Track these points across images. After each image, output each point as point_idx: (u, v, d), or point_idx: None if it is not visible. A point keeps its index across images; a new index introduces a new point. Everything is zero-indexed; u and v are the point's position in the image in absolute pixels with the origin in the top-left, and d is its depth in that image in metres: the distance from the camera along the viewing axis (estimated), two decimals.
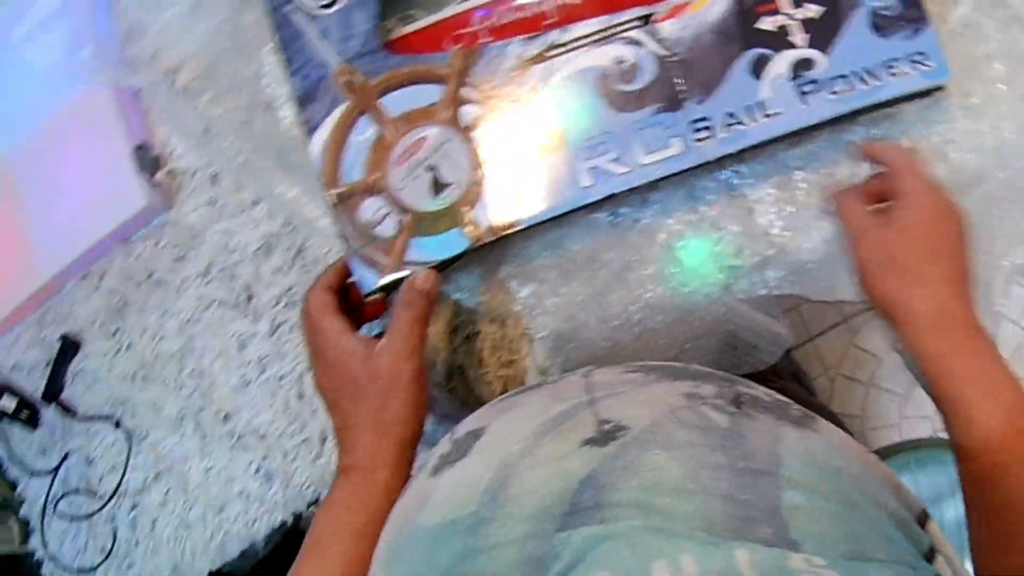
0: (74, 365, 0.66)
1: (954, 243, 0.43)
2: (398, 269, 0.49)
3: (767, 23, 0.49)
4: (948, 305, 0.40)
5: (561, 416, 0.34)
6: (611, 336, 0.49)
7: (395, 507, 0.38)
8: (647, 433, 0.32)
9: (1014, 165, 0.50)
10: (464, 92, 0.49)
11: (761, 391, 0.38)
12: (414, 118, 0.49)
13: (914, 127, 0.51)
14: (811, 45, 0.48)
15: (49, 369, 0.67)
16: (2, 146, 0.66)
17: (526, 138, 0.49)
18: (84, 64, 0.61)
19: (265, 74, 0.56)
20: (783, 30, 0.49)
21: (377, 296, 0.50)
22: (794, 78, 0.48)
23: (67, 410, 0.67)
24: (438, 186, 0.49)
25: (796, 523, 0.28)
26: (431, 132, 0.49)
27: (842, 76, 0.48)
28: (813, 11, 0.49)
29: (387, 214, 0.49)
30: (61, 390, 0.67)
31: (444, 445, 0.38)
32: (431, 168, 0.49)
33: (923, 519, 0.34)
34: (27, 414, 0.68)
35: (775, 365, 0.60)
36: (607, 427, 0.32)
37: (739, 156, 0.50)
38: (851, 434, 0.59)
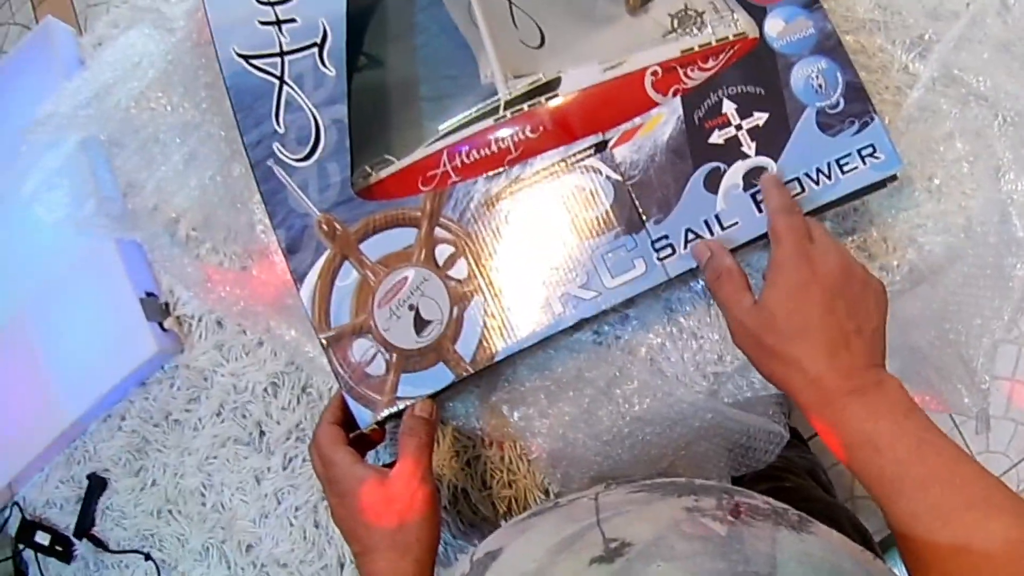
0: (102, 501, 0.75)
1: (831, 305, 0.46)
2: (390, 406, 0.56)
3: (717, 137, 0.55)
4: (820, 383, 0.45)
5: (572, 536, 0.39)
6: (603, 451, 0.55)
7: None
8: (651, 547, 0.36)
9: (984, 242, 0.55)
10: (437, 232, 0.57)
11: (760, 500, 0.43)
12: (392, 261, 0.57)
13: (880, 216, 0.56)
14: (761, 153, 0.54)
15: (79, 506, 0.77)
16: (17, 299, 0.75)
17: (499, 271, 0.56)
18: (88, 219, 0.71)
19: (258, 222, 0.65)
20: (733, 142, 0.55)
21: (374, 426, 0.58)
22: (747, 188, 0.54)
23: (99, 544, 0.76)
24: (420, 324, 0.57)
25: None
26: (409, 273, 0.57)
27: (795, 179, 0.54)
28: (760, 119, 0.55)
29: (376, 353, 0.57)
30: (92, 525, 0.76)
31: (463, 565, 0.43)
32: (412, 307, 0.57)
33: None
34: (61, 549, 0.78)
35: (790, 462, 0.64)
36: (614, 544, 0.37)
37: None
38: (864, 529, 0.64)
